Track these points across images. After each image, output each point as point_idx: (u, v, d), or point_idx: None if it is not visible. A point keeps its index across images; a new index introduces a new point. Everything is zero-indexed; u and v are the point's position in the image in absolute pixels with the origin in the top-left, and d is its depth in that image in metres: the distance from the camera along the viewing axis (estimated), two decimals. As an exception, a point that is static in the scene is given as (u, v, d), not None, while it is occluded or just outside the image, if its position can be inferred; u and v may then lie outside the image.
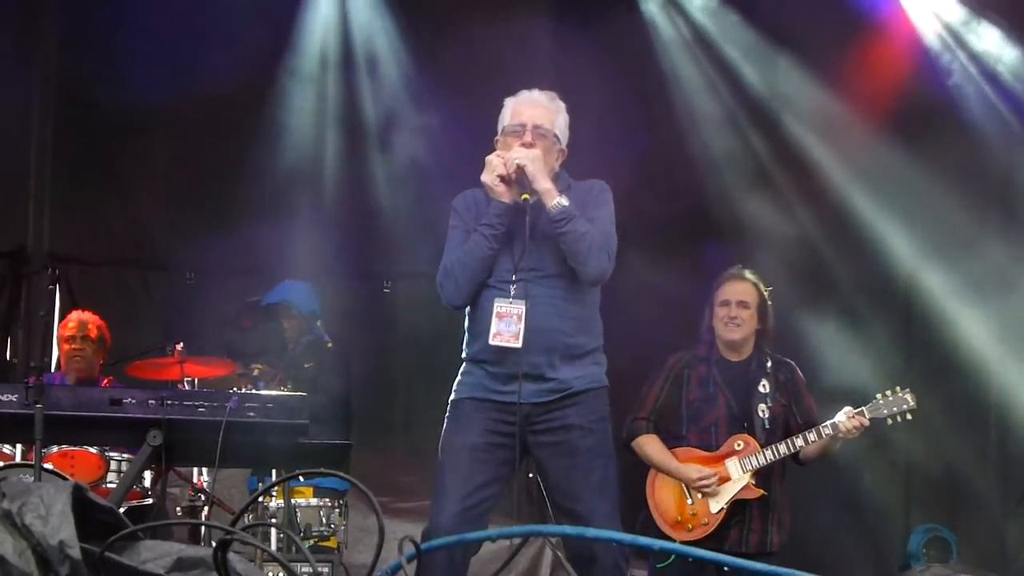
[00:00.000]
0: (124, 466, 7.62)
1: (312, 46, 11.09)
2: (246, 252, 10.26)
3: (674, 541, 6.64)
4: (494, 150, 6.41)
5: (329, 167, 11.08)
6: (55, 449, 7.47)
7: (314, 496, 8.29)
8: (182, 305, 10.00)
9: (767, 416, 6.83)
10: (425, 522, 6.12)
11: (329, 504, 8.23)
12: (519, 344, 5.71)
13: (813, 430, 6.70)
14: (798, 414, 6.89)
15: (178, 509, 8.13)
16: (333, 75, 11.22)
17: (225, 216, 10.37)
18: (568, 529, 5.44)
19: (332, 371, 8.71)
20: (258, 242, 10.26)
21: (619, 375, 6.07)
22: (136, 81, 10.30)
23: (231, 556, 3.12)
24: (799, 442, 6.70)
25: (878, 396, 6.82)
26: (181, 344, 8.43)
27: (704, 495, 6.70)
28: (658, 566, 6.75)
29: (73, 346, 8.69)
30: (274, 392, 7.98)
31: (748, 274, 7.09)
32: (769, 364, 6.96)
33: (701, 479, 6.66)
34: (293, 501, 8.10)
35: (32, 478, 6.16)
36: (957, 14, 10.78)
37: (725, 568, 6.12)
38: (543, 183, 5.75)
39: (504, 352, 5.77)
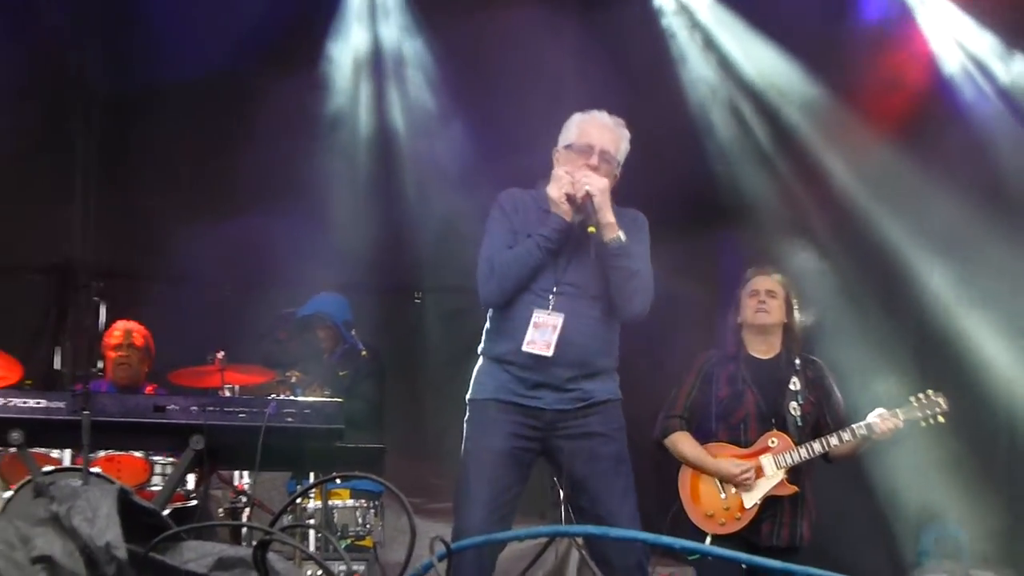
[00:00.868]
0: (168, 470, 7.65)
1: (344, 62, 11.10)
2: (282, 266, 10.28)
3: (706, 535, 6.72)
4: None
5: (360, 182, 11.05)
6: (101, 454, 7.51)
7: (350, 497, 8.28)
8: (221, 317, 9.96)
9: (799, 414, 6.83)
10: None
11: (365, 505, 8.22)
12: (550, 353, 5.69)
13: (848, 430, 6.72)
14: (828, 412, 6.89)
15: (220, 511, 8.17)
16: (364, 95, 11.21)
17: (261, 231, 10.33)
18: (593, 529, 5.28)
19: (367, 378, 8.70)
20: (292, 256, 10.29)
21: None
22: (176, 104, 10.50)
23: (270, 556, 3.13)
24: (833, 441, 6.70)
25: (912, 399, 6.85)
26: (222, 353, 8.46)
27: (740, 490, 6.73)
28: (690, 558, 6.87)
29: (119, 354, 8.72)
30: (311, 398, 7.88)
31: (774, 271, 7.17)
32: (798, 362, 6.97)
33: (743, 473, 6.68)
34: (330, 503, 8.13)
35: (80, 482, 6.01)
36: (960, 22, 10.75)
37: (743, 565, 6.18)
38: (608, 216, 5.72)
39: (533, 359, 5.74)
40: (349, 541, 8.11)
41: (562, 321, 5.70)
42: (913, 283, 9.92)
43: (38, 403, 6.60)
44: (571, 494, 6.01)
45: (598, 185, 5.70)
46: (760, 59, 11.03)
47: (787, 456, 6.71)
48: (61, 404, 6.44)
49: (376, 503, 8.24)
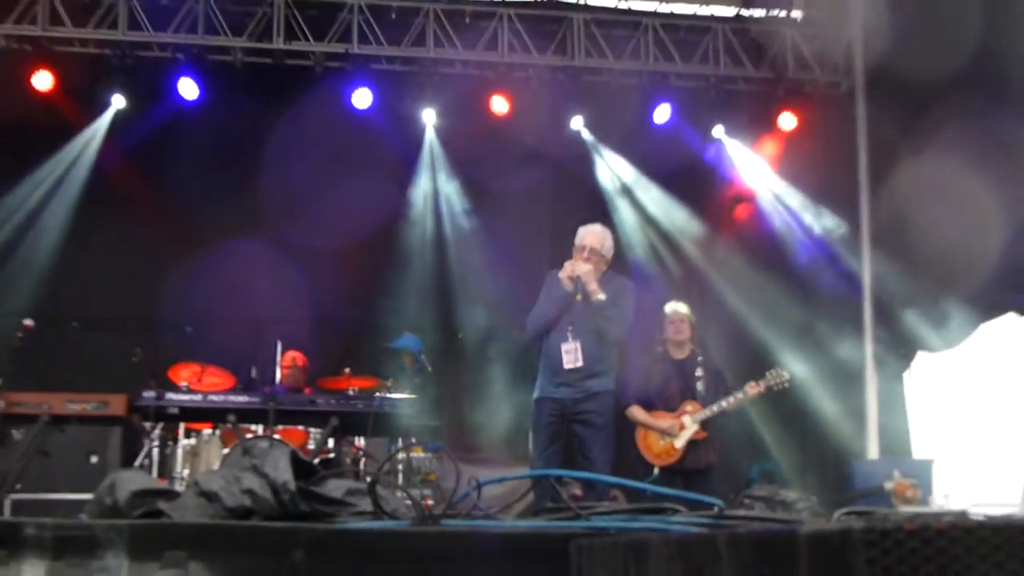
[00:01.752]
0: (317, 437, 7.85)
1: (419, 194, 10.99)
2: (385, 314, 10.09)
3: (655, 467, 7.04)
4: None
5: (427, 268, 10.78)
6: (280, 428, 7.71)
7: (422, 452, 8.38)
8: (348, 345, 9.48)
9: (703, 389, 7.11)
10: (490, 470, 6.82)
11: (430, 456, 8.36)
12: (581, 363, 6.21)
13: (732, 395, 7.09)
14: (720, 387, 7.19)
15: (348, 460, 8.11)
16: (429, 221, 11.01)
17: (378, 294, 10.29)
18: (577, 473, 6.11)
19: (431, 385, 8.69)
20: (393, 309, 10.19)
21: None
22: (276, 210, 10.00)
23: (378, 488, 3.19)
24: (724, 404, 7.05)
25: (767, 373, 7.24)
26: (348, 369, 8.73)
27: (672, 438, 7.05)
28: (647, 479, 6.95)
29: (288, 370, 8.99)
30: (399, 396, 8.21)
31: (681, 304, 7.42)
32: (700, 359, 7.28)
33: (670, 427, 7.04)
34: (412, 455, 8.28)
35: (267, 444, 6.43)
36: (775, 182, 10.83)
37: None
38: (591, 286, 6.22)
39: (560, 369, 6.23)
40: (421, 477, 8.20)
41: (579, 345, 6.23)
42: (769, 352, 9.70)
43: (244, 398, 7.30)
44: (575, 448, 6.32)
45: (583, 269, 6.25)
46: (667, 208, 10.90)
47: (699, 415, 7.05)
48: (257, 399, 7.20)
49: (437, 455, 8.28)
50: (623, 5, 10.54)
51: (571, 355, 6.21)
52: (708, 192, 10.86)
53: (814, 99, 10.48)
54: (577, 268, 6.27)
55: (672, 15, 10.51)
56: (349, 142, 10.10)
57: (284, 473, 3.15)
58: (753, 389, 7.12)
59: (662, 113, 10.50)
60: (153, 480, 4.62)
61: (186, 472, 7.84)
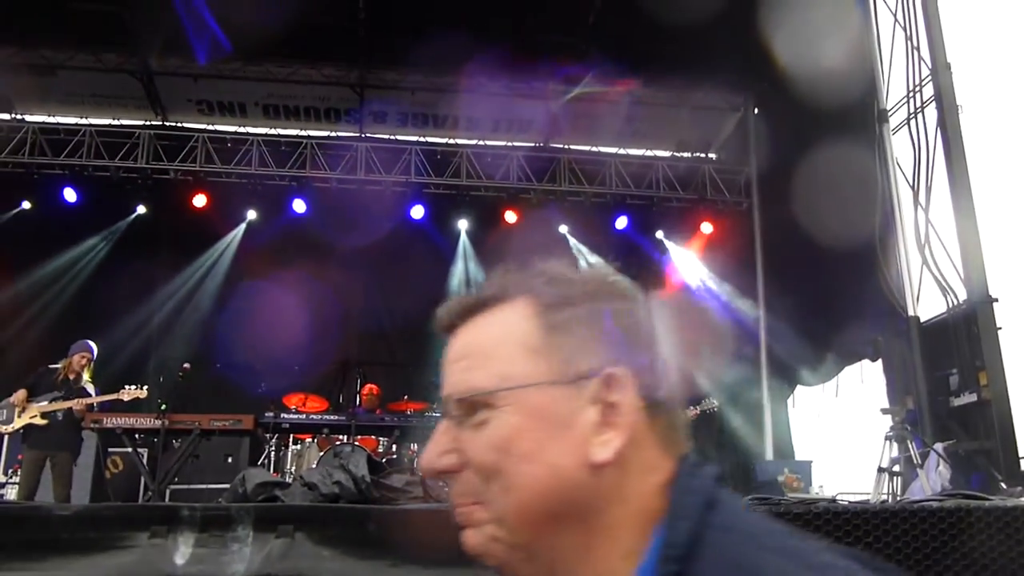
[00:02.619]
0: (385, 443, 7.57)
1: (456, 276, 10.66)
2: (431, 361, 9.86)
3: None
4: None
5: None
6: (359, 437, 7.39)
7: None
8: (408, 381, 9.05)
9: None
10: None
11: None
12: None
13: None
14: None
15: (406, 461, 7.45)
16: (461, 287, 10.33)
17: (424, 344, 10.16)
18: None
19: None
20: (435, 356, 10.08)
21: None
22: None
23: (427, 480, 3.05)
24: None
25: (702, 401, 6.75)
26: (407, 396, 8.38)
27: None
28: None
29: (367, 397, 8.49)
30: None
31: None
32: None
33: None
34: None
35: (351, 448, 6.44)
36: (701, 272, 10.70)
37: None
38: None
39: None
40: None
41: None
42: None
43: (334, 417, 7.15)
44: None
45: None
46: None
47: None
48: (343, 418, 7.05)
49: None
50: (594, 150, 11.04)
51: None
52: (654, 277, 10.79)
53: (725, 213, 10.62)
54: None
55: (628, 155, 10.99)
56: (406, 244, 10.26)
57: (362, 469, 3.10)
58: (691, 413, 6.76)
59: (621, 222, 10.66)
60: (271, 475, 4.64)
61: (294, 469, 7.68)
